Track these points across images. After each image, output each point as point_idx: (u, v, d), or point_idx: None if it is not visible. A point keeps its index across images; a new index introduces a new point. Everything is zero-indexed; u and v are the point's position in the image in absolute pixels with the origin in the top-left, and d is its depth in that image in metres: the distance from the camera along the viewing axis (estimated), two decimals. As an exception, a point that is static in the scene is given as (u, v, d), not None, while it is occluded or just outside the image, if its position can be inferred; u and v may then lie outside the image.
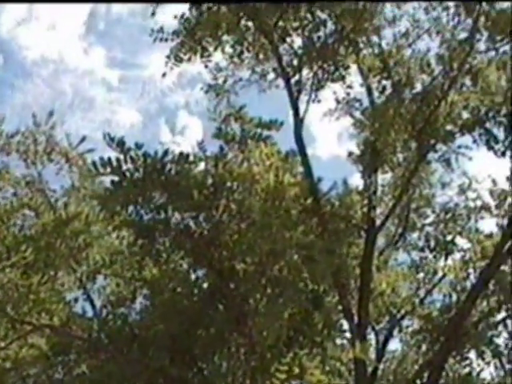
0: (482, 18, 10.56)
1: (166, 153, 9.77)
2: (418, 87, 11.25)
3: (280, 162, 9.95)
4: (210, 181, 10.07)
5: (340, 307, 10.83)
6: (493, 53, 11.03)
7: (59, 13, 19.92)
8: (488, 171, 12.82)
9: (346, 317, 10.92)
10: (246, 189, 9.72)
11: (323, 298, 10.45)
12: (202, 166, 10.53)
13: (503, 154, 11.30)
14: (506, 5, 10.69)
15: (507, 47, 10.94)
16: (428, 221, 13.27)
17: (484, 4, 10.56)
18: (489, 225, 12.97)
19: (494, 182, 12.77)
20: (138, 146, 9.64)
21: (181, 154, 9.70)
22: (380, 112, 10.86)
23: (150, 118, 19.90)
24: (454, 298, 12.33)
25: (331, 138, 14.86)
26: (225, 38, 11.18)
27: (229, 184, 9.76)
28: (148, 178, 9.60)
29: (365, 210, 11.56)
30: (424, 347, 12.21)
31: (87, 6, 19.79)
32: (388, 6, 11.33)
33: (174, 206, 9.86)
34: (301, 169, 10.83)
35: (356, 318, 10.98)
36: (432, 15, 11.48)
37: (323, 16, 10.90)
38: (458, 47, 10.99)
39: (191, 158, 10.37)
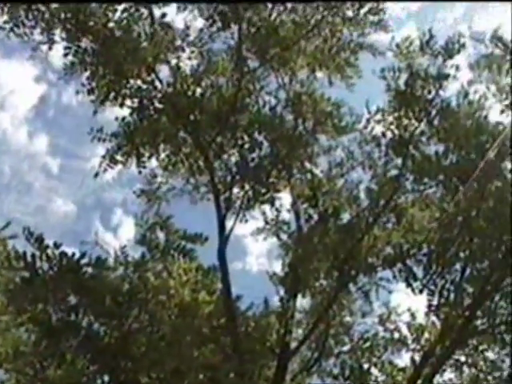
0: (409, 161, 10.98)
1: (83, 255, 9.66)
2: (345, 218, 11.49)
3: (198, 277, 9.91)
4: (126, 287, 9.95)
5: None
6: (417, 194, 11.41)
7: (10, 94, 19.97)
8: (408, 304, 13.01)
9: None
10: (160, 302, 9.61)
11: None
12: (121, 270, 10.46)
13: (421, 291, 11.46)
14: (433, 151, 11.20)
15: (431, 190, 11.36)
16: (345, 348, 13.24)
17: (411, 148, 11.01)
18: (404, 358, 13.04)
19: (412, 315, 12.91)
20: (57, 246, 9.51)
21: (98, 258, 9.59)
22: (305, 239, 11.00)
23: (86, 210, 19.81)
24: (362, 430, 12.15)
25: (262, 253, 15.01)
26: (162, 146, 11.31)
27: (143, 294, 9.63)
28: (61, 279, 9.43)
29: (281, 332, 11.49)
30: None
31: (39, 92, 19.91)
32: (323, 136, 11.73)
33: (85, 310, 9.65)
34: (220, 285, 10.77)
35: None
36: (365, 149, 11.88)
37: (260, 138, 11.17)
38: (387, 184, 11.33)
39: (112, 262, 10.31)
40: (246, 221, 11.27)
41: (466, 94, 11.46)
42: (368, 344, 13.19)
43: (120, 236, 17.28)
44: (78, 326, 9.80)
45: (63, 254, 9.53)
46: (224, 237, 10.83)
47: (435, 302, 11.53)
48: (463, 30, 14.29)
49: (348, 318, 13.30)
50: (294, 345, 11.75)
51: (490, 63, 11.69)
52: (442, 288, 11.37)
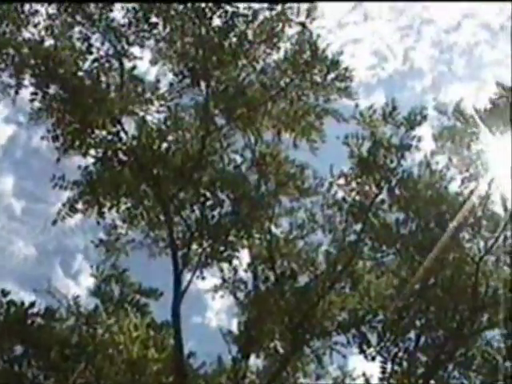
0: (368, 228, 11.05)
1: (32, 304, 9.49)
2: (302, 281, 11.47)
3: (150, 333, 9.76)
4: (75, 339, 9.76)
5: None
6: (375, 261, 11.46)
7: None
8: (364, 368, 12.91)
9: None
10: (108, 356, 9.43)
11: None
12: (72, 321, 10.28)
13: (373, 358, 11.41)
14: (393, 218, 11.28)
15: (388, 258, 11.43)
16: (298, 411, 13.04)
17: (370, 215, 11.09)
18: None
19: (367, 381, 12.80)
20: (4, 293, 9.35)
21: (47, 308, 9.43)
22: (261, 300, 10.95)
23: (46, 255, 19.51)
24: None
25: (222, 309, 14.89)
26: (123, 198, 11.23)
27: (92, 348, 9.45)
28: (7, 329, 9.22)
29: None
30: None
31: (8, 132, 19.76)
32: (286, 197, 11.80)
33: (30, 362, 9.43)
34: (173, 342, 10.61)
35: None
36: (327, 213, 11.93)
37: (222, 196, 11.16)
38: (345, 249, 11.36)
39: (64, 312, 10.14)
40: (203, 278, 11.19)
41: (428, 164, 11.64)
42: (321, 407, 13.05)
43: (80, 283, 17.03)
44: (22, 377, 9.55)
45: (11, 302, 9.35)
46: (179, 293, 10.70)
47: (389, 369, 11.49)
48: (430, 99, 14.58)
49: (302, 380, 13.16)
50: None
51: (453, 135, 11.91)
52: (395, 356, 11.35)
